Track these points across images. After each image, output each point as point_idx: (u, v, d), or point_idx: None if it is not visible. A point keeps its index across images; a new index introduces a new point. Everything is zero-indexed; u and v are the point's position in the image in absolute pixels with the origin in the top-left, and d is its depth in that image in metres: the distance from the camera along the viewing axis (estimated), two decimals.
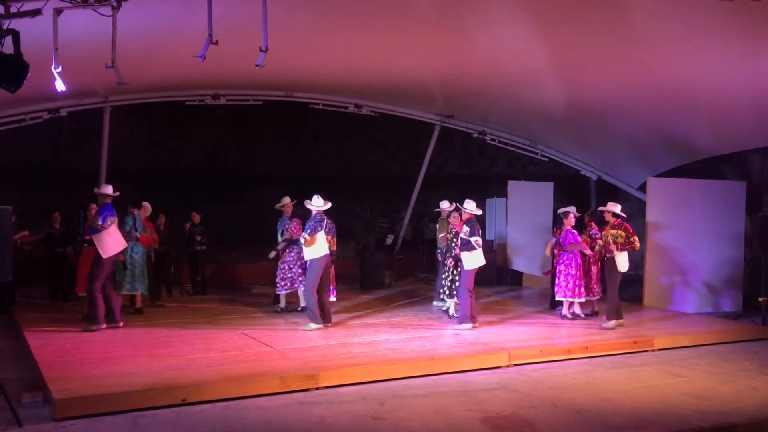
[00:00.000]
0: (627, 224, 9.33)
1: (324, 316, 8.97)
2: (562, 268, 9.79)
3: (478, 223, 9.34)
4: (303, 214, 9.56)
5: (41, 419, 5.54)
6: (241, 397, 6.10)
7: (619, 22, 7.67)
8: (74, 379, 6.20)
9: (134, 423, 5.45)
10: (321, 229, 8.84)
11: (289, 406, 5.95)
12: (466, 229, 9.03)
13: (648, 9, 7.30)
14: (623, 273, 9.24)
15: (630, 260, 9.46)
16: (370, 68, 10.47)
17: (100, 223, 8.55)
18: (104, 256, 8.52)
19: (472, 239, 8.93)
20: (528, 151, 14.99)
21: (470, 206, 9.26)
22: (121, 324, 8.76)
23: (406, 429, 5.41)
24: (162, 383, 6.12)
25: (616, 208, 9.37)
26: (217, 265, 13.07)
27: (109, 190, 8.93)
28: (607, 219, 9.43)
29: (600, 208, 9.97)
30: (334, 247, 9.26)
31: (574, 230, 9.82)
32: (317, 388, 6.45)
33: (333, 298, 9.65)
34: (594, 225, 10.06)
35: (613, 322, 9.07)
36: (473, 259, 8.96)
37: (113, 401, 5.69)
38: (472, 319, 8.97)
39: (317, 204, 8.96)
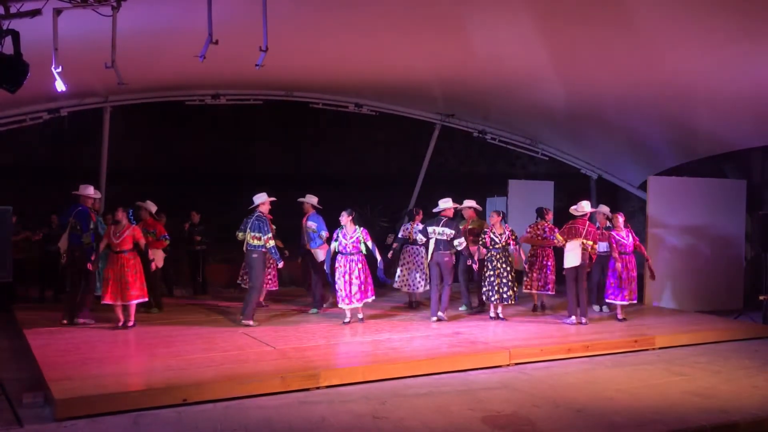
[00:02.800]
0: (571, 221, 9.49)
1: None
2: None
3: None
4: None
5: (42, 419, 5.54)
6: (242, 396, 6.09)
7: (619, 21, 7.66)
8: (75, 379, 6.20)
9: (135, 423, 5.45)
10: (244, 229, 9.06)
11: (290, 406, 5.95)
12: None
13: (649, 8, 7.30)
14: (571, 268, 9.31)
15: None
16: (371, 68, 10.47)
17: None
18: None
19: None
20: (528, 150, 14.99)
21: (445, 204, 9.64)
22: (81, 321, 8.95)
23: (407, 428, 5.41)
24: (163, 383, 6.12)
25: (578, 206, 9.56)
26: (218, 264, 13.06)
27: (85, 191, 9.07)
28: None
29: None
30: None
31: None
32: (318, 388, 6.45)
33: (346, 304, 9.18)
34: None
35: (573, 318, 9.31)
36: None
37: (114, 401, 5.69)
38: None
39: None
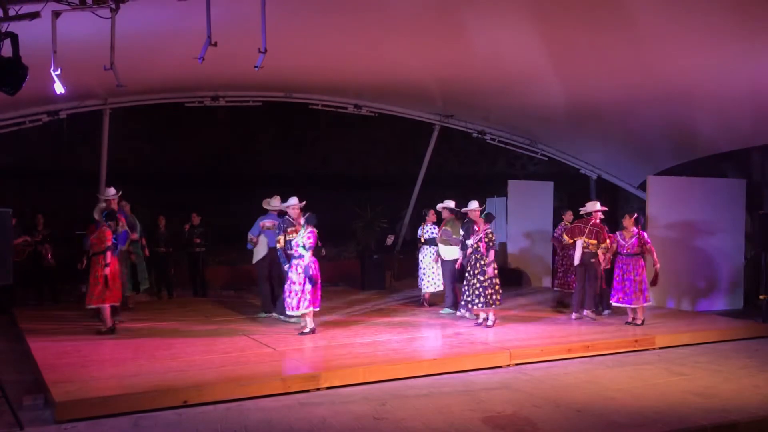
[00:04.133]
0: (576, 221, 10.00)
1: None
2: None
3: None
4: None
5: (42, 422, 5.54)
6: (242, 398, 6.10)
7: (619, 21, 7.66)
8: (75, 382, 6.20)
9: (135, 425, 5.45)
10: None
11: (291, 407, 5.95)
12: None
13: (648, 8, 7.30)
14: (577, 266, 9.89)
15: None
16: (370, 68, 10.46)
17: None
18: None
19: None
20: (528, 151, 15.00)
21: (473, 205, 9.65)
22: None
23: (408, 429, 5.41)
24: (163, 385, 6.11)
25: (585, 206, 10.01)
26: (217, 266, 13.07)
27: (106, 192, 9.16)
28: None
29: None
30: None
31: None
32: (318, 389, 6.45)
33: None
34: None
35: (574, 315, 9.81)
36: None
37: (114, 403, 5.69)
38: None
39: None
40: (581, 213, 9.97)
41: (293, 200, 9.11)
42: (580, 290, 9.78)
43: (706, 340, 8.90)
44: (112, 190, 9.44)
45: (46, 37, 6.16)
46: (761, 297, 10.34)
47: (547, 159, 15.14)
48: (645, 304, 9.46)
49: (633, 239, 9.48)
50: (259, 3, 6.24)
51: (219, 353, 7.43)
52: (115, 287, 8.48)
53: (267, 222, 9.80)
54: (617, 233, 9.74)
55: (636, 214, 9.86)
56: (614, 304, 9.65)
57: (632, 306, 9.39)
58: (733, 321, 10.20)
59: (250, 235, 9.84)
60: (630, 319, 9.45)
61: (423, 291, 10.82)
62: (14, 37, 5.77)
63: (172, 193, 13.03)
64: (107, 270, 8.36)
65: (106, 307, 8.44)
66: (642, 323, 9.29)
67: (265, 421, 5.56)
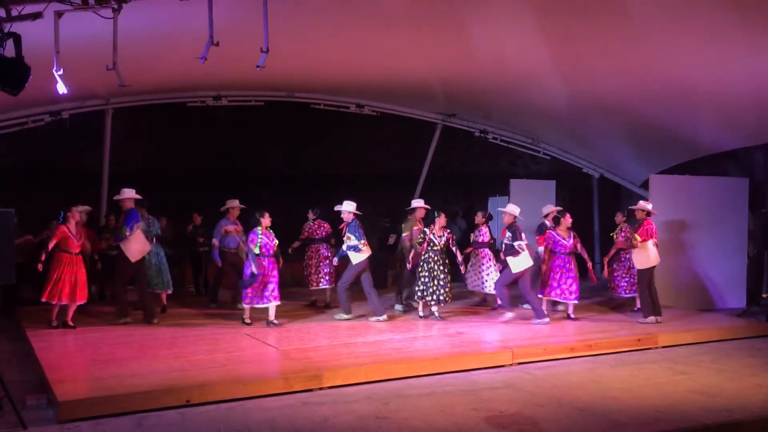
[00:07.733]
0: (645, 222, 9.61)
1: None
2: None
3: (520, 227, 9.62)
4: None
5: (46, 421, 5.55)
6: (245, 397, 6.10)
7: (621, 19, 7.66)
8: (78, 381, 6.22)
9: (139, 424, 5.46)
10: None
11: (293, 407, 5.95)
12: (508, 234, 9.42)
13: (650, 6, 7.30)
14: (644, 269, 9.53)
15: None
16: (372, 68, 10.47)
17: (127, 233, 8.90)
18: (132, 260, 9.03)
19: (515, 243, 9.29)
20: (530, 150, 14.98)
21: (513, 209, 9.73)
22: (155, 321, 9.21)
23: (411, 428, 5.41)
24: (166, 384, 6.12)
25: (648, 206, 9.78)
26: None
27: (129, 194, 9.14)
28: (638, 217, 9.72)
29: (631, 207, 10.08)
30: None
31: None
32: (321, 388, 6.46)
33: None
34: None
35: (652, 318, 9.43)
36: (519, 263, 9.30)
37: (117, 403, 5.70)
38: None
39: (350, 208, 9.62)
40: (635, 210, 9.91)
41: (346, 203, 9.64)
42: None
43: (708, 339, 8.90)
44: (131, 192, 9.29)
45: (48, 37, 6.18)
46: (764, 295, 10.33)
47: (549, 158, 15.12)
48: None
49: (571, 239, 9.71)
50: (261, 2, 6.24)
51: (222, 352, 7.44)
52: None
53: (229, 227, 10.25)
54: (553, 232, 9.80)
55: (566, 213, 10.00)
56: (556, 299, 9.78)
57: (574, 302, 9.70)
58: (736, 320, 10.20)
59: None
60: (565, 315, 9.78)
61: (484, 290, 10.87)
62: (17, 38, 5.77)
63: (174, 193, 13.02)
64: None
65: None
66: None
67: (268, 420, 5.57)
